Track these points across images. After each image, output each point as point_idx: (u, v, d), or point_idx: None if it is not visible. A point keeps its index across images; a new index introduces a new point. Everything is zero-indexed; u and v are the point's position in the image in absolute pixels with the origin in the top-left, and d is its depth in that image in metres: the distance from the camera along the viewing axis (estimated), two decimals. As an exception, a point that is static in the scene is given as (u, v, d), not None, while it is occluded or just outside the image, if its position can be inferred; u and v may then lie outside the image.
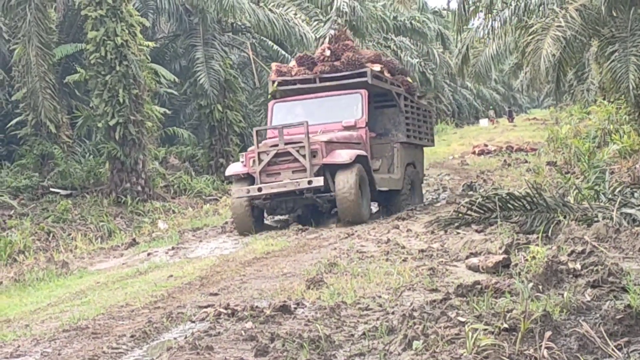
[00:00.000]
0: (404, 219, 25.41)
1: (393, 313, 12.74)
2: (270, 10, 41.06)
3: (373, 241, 21.58)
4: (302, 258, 20.09)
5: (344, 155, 22.78)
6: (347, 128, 24.18)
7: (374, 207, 27.24)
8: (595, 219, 17.91)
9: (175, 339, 12.82)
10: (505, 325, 10.66)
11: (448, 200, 28.78)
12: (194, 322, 14.02)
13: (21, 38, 36.28)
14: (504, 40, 51.37)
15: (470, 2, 21.74)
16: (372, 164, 24.66)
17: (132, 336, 13.27)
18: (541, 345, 9.96)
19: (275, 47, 47.04)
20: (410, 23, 59.53)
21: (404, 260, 17.96)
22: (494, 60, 62.03)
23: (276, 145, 22.76)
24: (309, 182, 22.14)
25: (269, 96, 25.82)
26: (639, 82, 33.52)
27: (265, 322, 13.28)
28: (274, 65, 26.55)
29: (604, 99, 45.51)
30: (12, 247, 25.28)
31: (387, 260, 18.39)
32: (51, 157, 37.04)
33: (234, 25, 47.13)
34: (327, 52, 24.60)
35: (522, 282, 13.02)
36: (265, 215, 25.37)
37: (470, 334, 10.27)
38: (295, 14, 42.05)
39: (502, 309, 11.52)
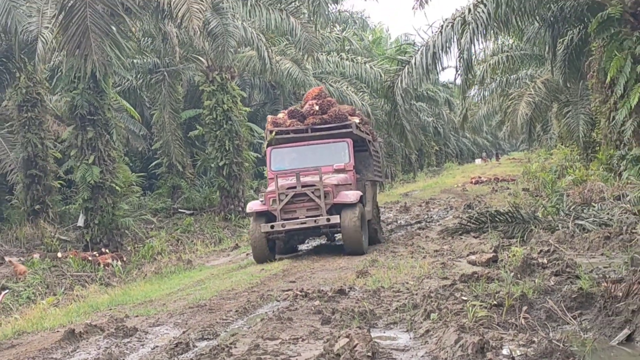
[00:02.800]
0: (423, 229, 25.32)
1: (416, 294, 12.73)
2: (330, 84, 40.83)
3: (402, 244, 21.56)
4: (353, 257, 20.10)
5: (350, 196, 19.91)
6: (337, 171, 21.00)
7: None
8: (557, 228, 17.84)
9: (266, 313, 12.88)
10: (495, 302, 10.65)
11: (454, 215, 28.63)
12: (279, 301, 14.07)
13: (158, 106, 36.64)
14: (492, 104, 51.72)
15: (469, 78, 21.52)
16: None
17: (236, 311, 13.35)
18: (520, 316, 9.94)
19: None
20: (427, 92, 59.45)
21: (424, 257, 17.96)
22: (485, 118, 62.52)
23: (294, 187, 19.72)
24: (327, 220, 19.35)
25: (266, 144, 22.69)
26: (586, 132, 33.49)
27: (328, 301, 13.31)
28: (269, 117, 23.44)
29: (562, 145, 45.43)
30: (153, 250, 25.36)
31: (412, 257, 18.41)
32: (179, 188, 37.27)
33: (304, 94, 47.10)
34: (316, 107, 22.05)
35: (506, 272, 13.00)
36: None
37: (470, 308, 10.28)
38: (347, 87, 41.91)
39: (492, 291, 11.52)
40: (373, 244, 21.58)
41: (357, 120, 22.04)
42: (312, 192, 19.50)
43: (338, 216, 19.43)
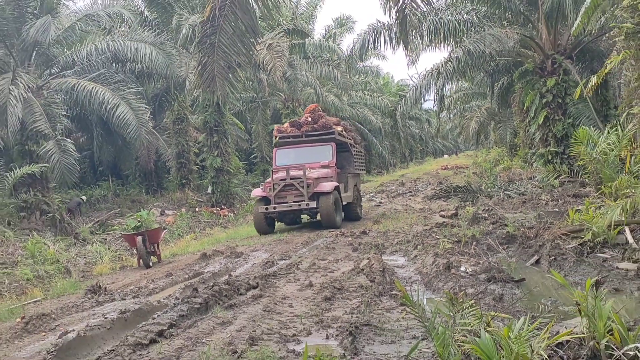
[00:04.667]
0: (412, 196, 25.20)
1: (409, 234, 12.73)
2: (357, 110, 40.80)
3: (400, 205, 21.49)
4: (371, 211, 20.09)
5: (327, 187, 17.08)
6: (323, 166, 18.22)
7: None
8: (493, 196, 17.69)
9: (318, 244, 12.95)
10: (456, 240, 10.62)
11: (431, 188, 28.38)
12: (327, 237, 14.13)
13: (255, 122, 36.59)
14: (454, 122, 51.11)
15: (441, 106, 21.37)
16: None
17: (301, 243, 13.47)
18: (471, 248, 9.92)
19: (360, 125, 46.65)
20: (415, 115, 59.04)
21: (413, 213, 17.90)
22: (450, 131, 61.60)
23: (285, 179, 17.11)
24: (307, 205, 16.70)
25: (273, 145, 19.90)
26: (511, 139, 33.11)
27: (356, 238, 13.36)
28: (276, 126, 20.46)
29: (496, 146, 44.98)
30: (252, 207, 25.30)
31: (406, 212, 18.37)
32: (267, 170, 37.17)
33: (342, 116, 46.74)
34: (309, 119, 19.16)
35: (463, 222, 12.95)
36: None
37: (441, 243, 10.27)
38: (367, 112, 41.76)
39: (454, 233, 11.47)
40: (353, 220, 18.99)
41: (339, 129, 19.54)
42: (298, 183, 17.12)
43: (315, 202, 17.08)
